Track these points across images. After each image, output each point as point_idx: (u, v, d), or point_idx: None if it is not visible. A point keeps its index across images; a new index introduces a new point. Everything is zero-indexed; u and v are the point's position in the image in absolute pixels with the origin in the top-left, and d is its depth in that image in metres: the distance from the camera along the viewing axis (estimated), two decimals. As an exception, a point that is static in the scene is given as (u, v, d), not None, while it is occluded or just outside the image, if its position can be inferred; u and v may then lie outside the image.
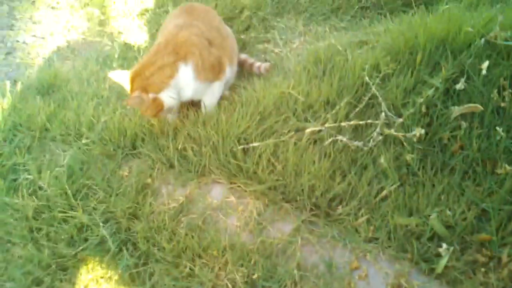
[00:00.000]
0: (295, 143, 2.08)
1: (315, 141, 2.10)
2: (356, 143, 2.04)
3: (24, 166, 2.22)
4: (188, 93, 2.22)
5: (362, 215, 1.86)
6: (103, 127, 2.30)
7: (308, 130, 2.11)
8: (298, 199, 1.93)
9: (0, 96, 2.52)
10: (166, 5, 3.19)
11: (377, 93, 2.14)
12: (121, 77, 2.13)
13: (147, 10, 3.24)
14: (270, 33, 2.99)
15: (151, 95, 2.09)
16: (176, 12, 2.52)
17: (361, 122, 2.10)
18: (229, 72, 2.40)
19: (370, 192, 1.90)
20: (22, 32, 3.28)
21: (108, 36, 3.17)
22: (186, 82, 2.17)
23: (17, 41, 3.23)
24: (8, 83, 2.58)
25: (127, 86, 2.12)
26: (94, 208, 2.01)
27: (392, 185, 1.89)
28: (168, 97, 2.15)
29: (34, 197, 2.06)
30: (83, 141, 2.28)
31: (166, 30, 2.36)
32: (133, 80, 2.10)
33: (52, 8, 3.42)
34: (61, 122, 2.38)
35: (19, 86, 2.62)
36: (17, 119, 2.41)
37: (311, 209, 1.91)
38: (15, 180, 2.17)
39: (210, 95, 2.33)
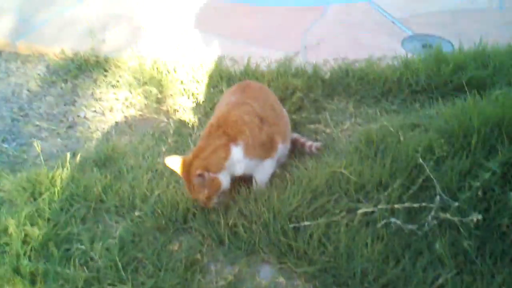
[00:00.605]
0: (347, 224, 2.05)
1: (367, 223, 2.07)
2: (410, 226, 2.00)
3: (77, 236, 2.25)
4: (240, 170, 2.25)
5: (417, 303, 1.79)
6: (156, 200, 2.34)
7: (360, 211, 2.09)
8: (349, 283, 1.88)
9: (60, 167, 2.61)
10: (220, 85, 3.30)
11: (432, 176, 2.11)
12: (176, 163, 2.19)
13: (202, 90, 3.36)
14: (321, 114, 3.03)
15: (211, 175, 2.13)
16: (231, 90, 2.60)
17: (415, 205, 2.06)
18: (282, 149, 2.43)
19: (425, 280, 1.84)
20: (83, 108, 3.45)
21: (164, 113, 3.28)
22: (237, 161, 2.21)
23: (78, 116, 3.38)
24: (68, 154, 2.67)
25: (180, 171, 2.18)
26: (142, 283, 1.99)
27: (448, 273, 1.82)
28: (224, 179, 2.19)
29: (85, 268, 2.07)
30: (136, 214, 2.31)
31: (219, 108, 2.44)
32: (191, 163, 2.14)
33: (112, 86, 3.59)
34: (116, 194, 2.43)
35: (78, 158, 2.71)
36: (74, 190, 2.47)
37: (363, 294, 1.85)
38: (68, 250, 2.20)
39: (262, 172, 2.35)
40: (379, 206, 2.08)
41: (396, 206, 2.08)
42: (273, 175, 2.43)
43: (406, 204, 2.07)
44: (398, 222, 2.01)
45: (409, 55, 3.36)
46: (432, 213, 2.00)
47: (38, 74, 3.85)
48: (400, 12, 4.21)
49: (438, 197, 2.03)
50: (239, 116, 2.27)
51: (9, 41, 4.23)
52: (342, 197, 2.18)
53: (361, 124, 2.88)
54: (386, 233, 1.99)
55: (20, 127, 3.34)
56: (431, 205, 2.04)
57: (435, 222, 1.98)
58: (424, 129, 2.48)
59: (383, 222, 2.02)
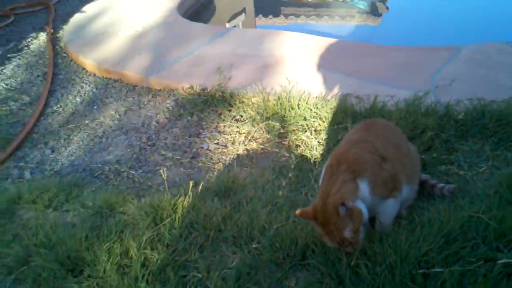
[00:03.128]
0: (484, 274, 1.83)
1: (509, 275, 1.83)
2: (562, 283, 1.74)
3: (194, 264, 2.23)
4: (365, 210, 2.07)
5: None
6: (274, 233, 2.27)
7: (501, 261, 1.85)
8: None
9: (182, 194, 2.64)
10: (344, 121, 3.21)
11: None
12: (308, 213, 2.04)
13: (325, 127, 3.28)
14: (453, 155, 2.82)
15: (351, 204, 1.95)
16: (355, 128, 2.49)
17: None
18: (407, 190, 2.25)
19: None
20: (207, 140, 3.52)
21: (285, 148, 3.24)
22: (364, 198, 2.04)
23: (202, 148, 3.45)
24: (191, 183, 2.71)
25: (313, 217, 2.03)
26: (258, 316, 1.92)
27: None
28: (362, 207, 2.00)
29: (200, 296, 2.04)
30: (254, 245, 2.25)
31: (338, 147, 2.33)
32: (324, 204, 1.98)
33: (236, 120, 3.64)
34: (235, 224, 2.40)
35: (200, 187, 2.73)
36: (194, 218, 2.48)
37: None
38: (184, 276, 2.18)
39: (385, 212, 2.18)
40: (524, 258, 1.84)
41: (544, 258, 1.83)
42: (399, 217, 2.27)
43: (557, 258, 1.81)
44: (547, 277, 1.75)
45: (556, 98, 3.05)
46: None
47: (167, 107, 4.01)
48: (543, 53, 3.88)
49: None
50: (359, 154, 2.13)
51: (143, 77, 4.48)
52: (479, 244, 1.96)
53: (500, 168, 2.62)
54: (532, 288, 1.75)
55: (146, 156, 3.47)
56: None
57: None
58: None
59: (528, 275, 1.78)
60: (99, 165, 3.44)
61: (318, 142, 3.19)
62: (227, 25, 7.04)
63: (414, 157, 2.42)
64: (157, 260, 2.25)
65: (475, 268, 1.86)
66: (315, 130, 3.31)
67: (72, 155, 3.65)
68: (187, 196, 2.61)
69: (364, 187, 2.04)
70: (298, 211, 2.03)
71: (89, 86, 4.63)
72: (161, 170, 2.96)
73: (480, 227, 2.03)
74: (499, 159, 2.73)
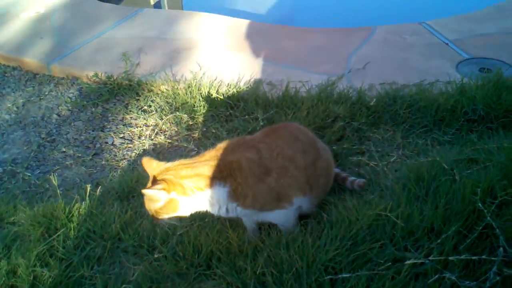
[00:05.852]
0: (392, 277, 1.76)
1: (416, 276, 1.77)
2: (467, 283, 1.69)
3: (90, 280, 2.04)
4: (222, 211, 2.00)
5: None
6: (177, 241, 2.11)
7: (408, 262, 1.79)
8: None
9: (79, 200, 2.43)
10: (255, 112, 3.07)
11: (493, 223, 1.81)
12: (151, 166, 1.99)
13: (236, 116, 3.14)
14: (365, 145, 2.76)
15: (171, 195, 1.88)
16: (263, 129, 2.33)
17: (473, 257, 1.76)
18: (304, 201, 2.13)
19: None
20: (112, 134, 3.29)
21: (194, 141, 3.08)
22: (218, 201, 1.96)
23: (106, 143, 3.22)
24: (88, 187, 2.49)
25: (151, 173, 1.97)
26: None
27: None
28: (185, 206, 1.94)
29: (95, 321, 1.86)
30: (155, 256, 2.09)
31: (237, 139, 2.18)
32: (163, 172, 1.93)
33: (143, 111, 3.43)
34: (136, 232, 2.23)
35: (98, 190, 2.52)
36: (91, 226, 2.28)
37: None
38: (80, 295, 2.00)
39: (279, 221, 2.12)
40: (431, 258, 1.79)
41: (450, 258, 1.78)
42: (310, 216, 2.18)
43: (463, 256, 1.77)
44: (453, 277, 1.71)
45: (465, 80, 3.05)
46: (495, 268, 1.70)
47: (70, 98, 3.73)
48: (455, 33, 3.90)
49: (501, 249, 1.73)
50: (237, 160, 1.98)
51: (44, 64, 4.15)
52: (387, 244, 1.89)
53: (410, 157, 2.59)
54: (439, 290, 1.70)
55: (46, 154, 3.20)
56: (493, 258, 1.73)
57: (497, 278, 1.67)
58: (483, 166, 2.18)
59: (435, 277, 1.73)
60: (-7, 166, 3.14)
61: (229, 134, 3.03)
62: (151, 1, 6.61)
63: (322, 168, 2.24)
64: (48, 279, 2.05)
65: (383, 271, 1.79)
66: (226, 121, 3.15)
67: (-38, 155, 3.32)
68: (83, 203, 2.40)
69: (220, 193, 1.95)
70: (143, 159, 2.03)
71: (-17, 75, 4.24)
72: (52, 177, 2.68)
73: (387, 225, 1.96)
74: (410, 147, 2.70)
